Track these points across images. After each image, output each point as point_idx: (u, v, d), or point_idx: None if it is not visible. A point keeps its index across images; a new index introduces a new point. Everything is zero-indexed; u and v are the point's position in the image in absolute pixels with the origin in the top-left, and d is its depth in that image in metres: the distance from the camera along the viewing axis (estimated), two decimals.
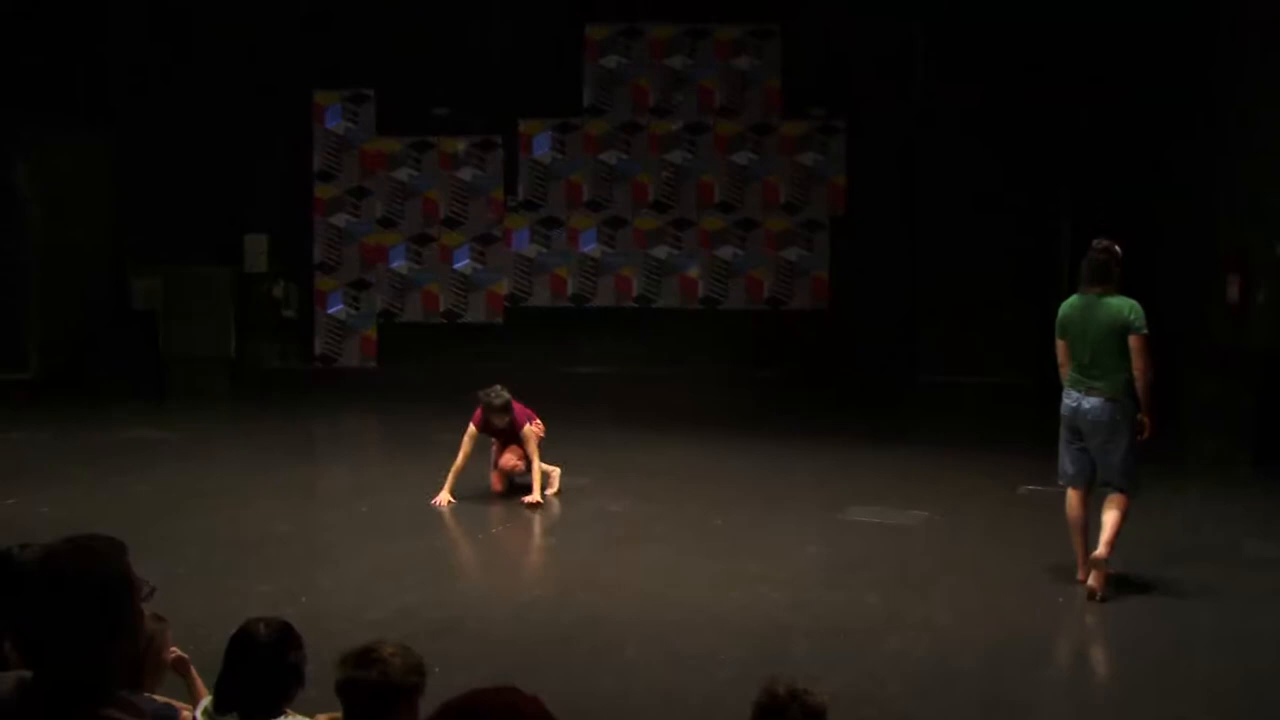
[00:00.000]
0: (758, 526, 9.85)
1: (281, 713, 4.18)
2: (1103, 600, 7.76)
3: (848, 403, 16.31)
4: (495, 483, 10.76)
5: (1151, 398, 7.92)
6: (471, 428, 10.68)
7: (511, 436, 10.77)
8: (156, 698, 4.13)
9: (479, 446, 10.76)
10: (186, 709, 4.49)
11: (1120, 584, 8.10)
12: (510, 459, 10.74)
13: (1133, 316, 7.93)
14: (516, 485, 10.81)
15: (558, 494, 10.73)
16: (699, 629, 7.28)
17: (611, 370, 17.73)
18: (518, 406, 10.73)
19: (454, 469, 10.54)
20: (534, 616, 7.54)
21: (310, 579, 8.12)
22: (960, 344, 17.18)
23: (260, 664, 4.16)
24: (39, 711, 2.88)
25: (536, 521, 10.22)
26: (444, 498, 10.44)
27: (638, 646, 6.99)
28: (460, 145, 18.75)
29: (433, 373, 17.60)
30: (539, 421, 10.81)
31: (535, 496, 10.49)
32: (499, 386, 10.67)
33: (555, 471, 10.85)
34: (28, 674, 2.95)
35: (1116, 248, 8.21)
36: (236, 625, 4.28)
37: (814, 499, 10.71)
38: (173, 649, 4.68)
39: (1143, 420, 7.97)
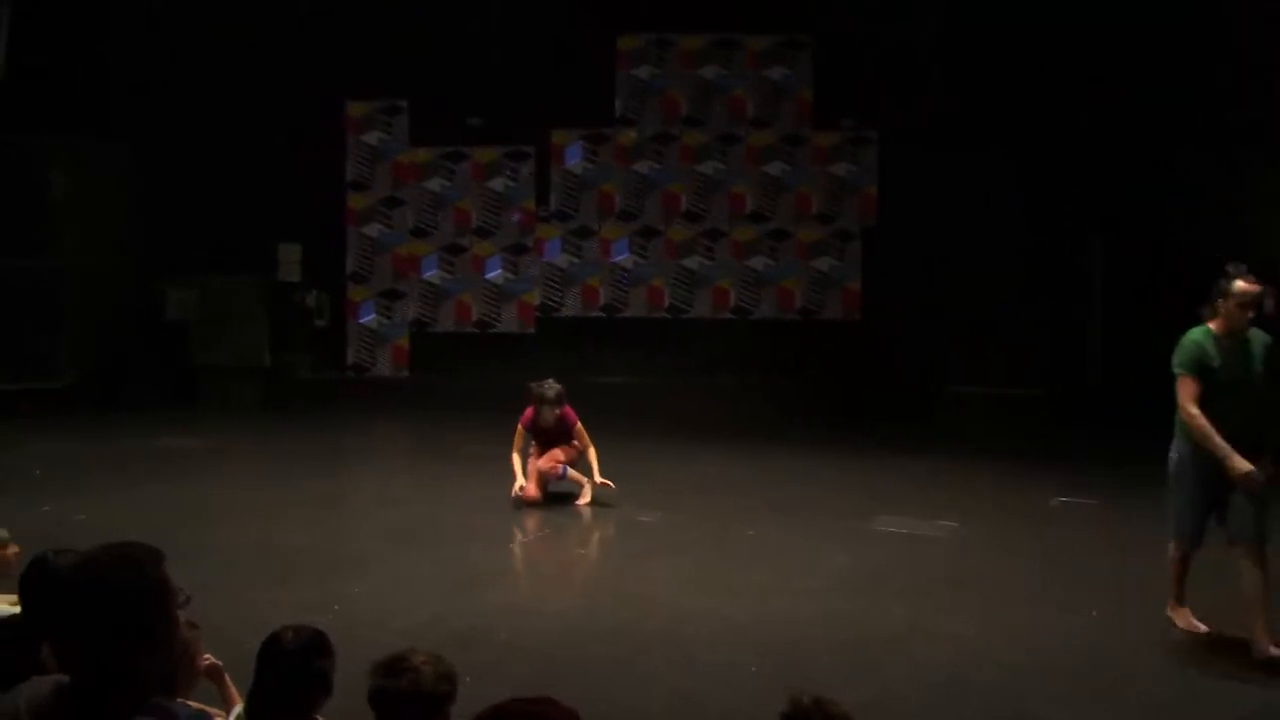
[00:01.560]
0: (787, 537, 9.83)
1: None
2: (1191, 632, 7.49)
3: (878, 413, 16.28)
4: (531, 489, 10.72)
5: (1212, 445, 7.01)
6: (520, 427, 10.76)
7: (557, 437, 10.80)
8: (191, 704, 4.16)
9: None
10: (220, 715, 4.53)
11: (1144, 603, 8.06)
12: (548, 460, 10.75)
13: (1176, 350, 7.30)
14: (550, 494, 10.82)
15: (588, 504, 10.74)
16: (725, 640, 7.27)
17: (642, 381, 17.76)
18: (567, 409, 10.78)
19: (516, 462, 10.71)
20: (563, 626, 7.55)
21: (341, 588, 8.15)
22: (991, 355, 17.15)
23: (285, 671, 4.17)
24: (75, 715, 2.91)
25: (566, 532, 10.23)
26: (520, 484, 10.60)
27: (663, 657, 6.99)
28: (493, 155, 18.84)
29: (465, 382, 17.67)
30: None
31: (599, 479, 10.63)
32: (551, 380, 10.73)
33: (587, 484, 10.84)
34: (65, 678, 2.98)
35: (1231, 271, 7.32)
36: (268, 633, 4.30)
37: (843, 509, 10.68)
38: (206, 656, 4.71)
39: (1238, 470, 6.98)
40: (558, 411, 10.69)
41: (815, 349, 18.18)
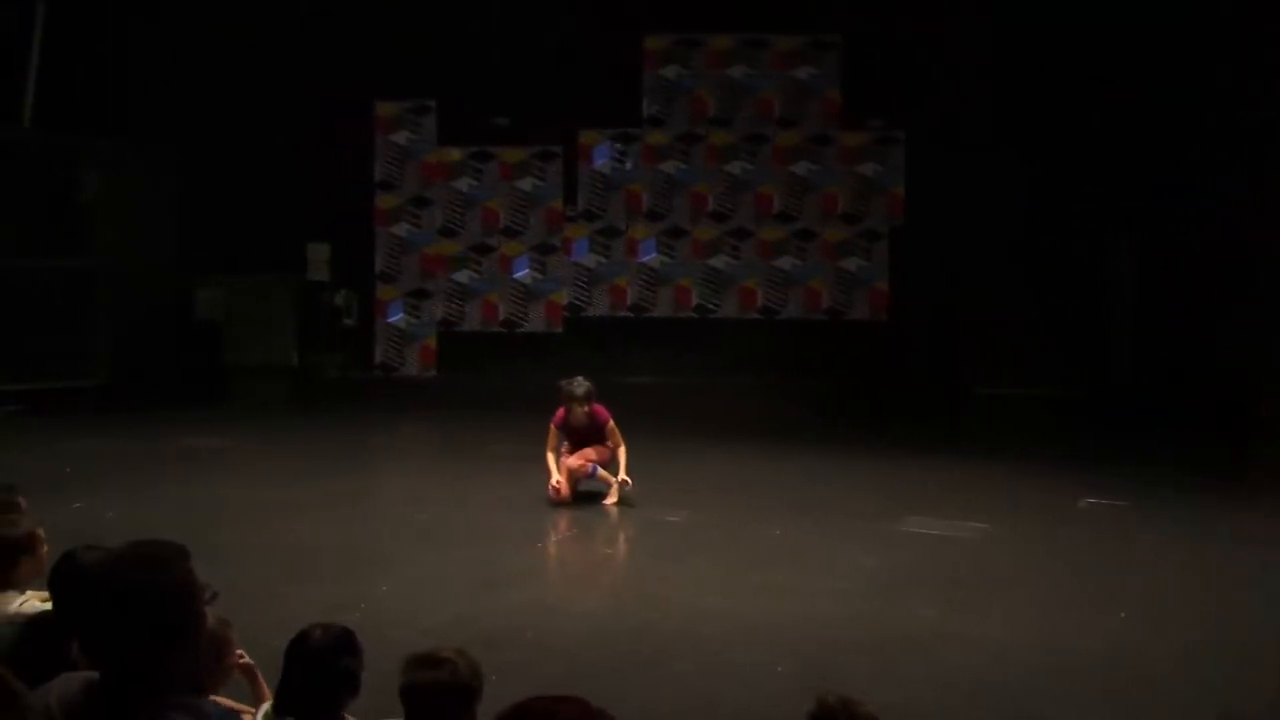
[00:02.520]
0: (815, 537, 9.81)
1: (337, 718, 4.22)
2: None
3: (905, 413, 16.24)
4: (564, 488, 10.68)
5: None
6: (552, 427, 10.78)
7: (590, 436, 10.80)
8: (220, 701, 4.18)
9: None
10: (249, 712, 4.55)
11: (1173, 605, 8.01)
12: (579, 458, 10.74)
13: None
14: (577, 493, 10.81)
15: (615, 504, 10.73)
16: (750, 640, 7.26)
17: (670, 381, 17.76)
18: (598, 407, 10.78)
19: (550, 460, 10.72)
20: (589, 626, 7.55)
21: (367, 587, 8.17)
22: (1019, 355, 17.08)
23: (313, 669, 4.19)
24: (105, 712, 2.93)
25: (592, 531, 10.24)
26: (556, 479, 10.61)
27: (689, 657, 6.98)
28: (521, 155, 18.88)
29: (492, 382, 17.70)
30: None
31: (622, 475, 10.66)
32: (580, 377, 10.73)
33: (614, 483, 10.83)
34: (95, 675, 3.00)
35: None
36: (295, 631, 4.32)
37: (870, 510, 10.65)
38: (240, 653, 4.74)
39: None
40: (587, 409, 10.69)
41: (842, 349, 18.15)
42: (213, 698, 4.06)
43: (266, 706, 4.46)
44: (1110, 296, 17.29)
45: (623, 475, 10.69)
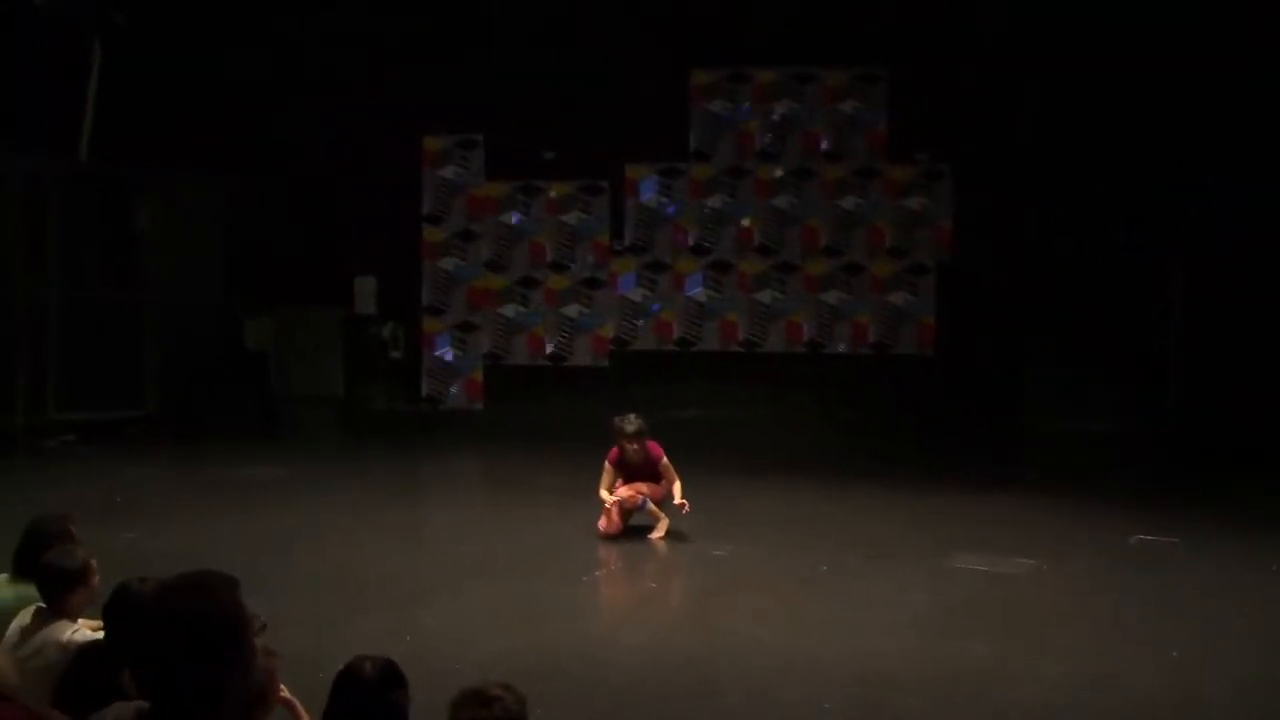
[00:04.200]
0: (863, 573, 9.76)
1: None
2: None
3: (954, 448, 16.14)
4: (617, 519, 10.67)
5: None
6: (608, 465, 10.76)
7: (644, 473, 10.78)
8: None
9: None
10: None
11: (1226, 643, 7.92)
12: (630, 489, 10.70)
13: None
14: (626, 528, 10.77)
15: (662, 538, 10.71)
16: (800, 676, 7.22)
17: (716, 414, 17.71)
18: (651, 444, 10.77)
19: (605, 496, 10.67)
20: (636, 661, 7.53)
21: (414, 619, 8.19)
22: (1068, 390, 16.95)
23: (364, 702, 4.19)
24: None
25: (639, 565, 10.22)
26: (610, 504, 10.59)
27: (737, 693, 6.96)
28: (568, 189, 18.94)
29: (538, 415, 17.72)
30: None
31: (680, 499, 10.53)
32: (632, 415, 10.74)
33: (663, 519, 10.80)
34: (146, 704, 3.02)
35: None
36: (342, 663, 4.33)
37: (920, 546, 10.59)
38: (281, 687, 4.75)
39: None
40: (638, 446, 10.68)
41: (889, 384, 18.06)
42: None
43: None
44: (1165, 330, 17.16)
45: (678, 499, 10.61)
